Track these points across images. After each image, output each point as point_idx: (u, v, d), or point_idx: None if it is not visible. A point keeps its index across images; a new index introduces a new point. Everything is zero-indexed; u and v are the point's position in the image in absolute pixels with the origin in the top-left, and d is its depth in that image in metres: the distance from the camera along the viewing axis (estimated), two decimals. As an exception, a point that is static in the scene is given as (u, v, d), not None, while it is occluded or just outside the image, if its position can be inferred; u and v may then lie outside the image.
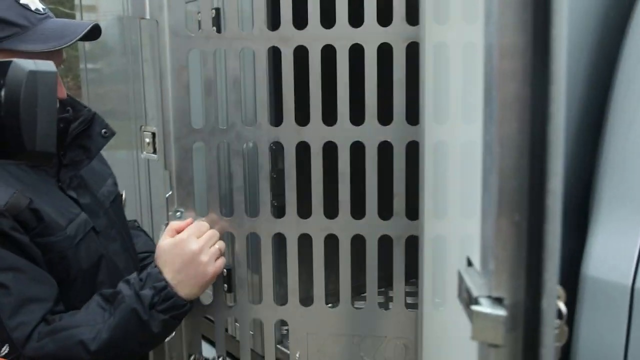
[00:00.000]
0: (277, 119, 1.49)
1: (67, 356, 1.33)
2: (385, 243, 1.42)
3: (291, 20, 1.39)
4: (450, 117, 1.18)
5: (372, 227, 1.43)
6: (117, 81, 2.87)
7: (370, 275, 1.45)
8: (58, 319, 1.36)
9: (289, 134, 1.44)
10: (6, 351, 1.30)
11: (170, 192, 1.52)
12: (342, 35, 1.38)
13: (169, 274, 1.38)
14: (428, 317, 1.35)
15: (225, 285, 1.53)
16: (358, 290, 1.53)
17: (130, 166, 2.76)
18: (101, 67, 3.10)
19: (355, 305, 1.50)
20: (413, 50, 1.34)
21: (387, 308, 1.49)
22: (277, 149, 1.58)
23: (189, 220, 1.47)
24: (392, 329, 1.46)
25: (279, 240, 1.51)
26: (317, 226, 1.46)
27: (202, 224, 1.47)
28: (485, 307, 0.74)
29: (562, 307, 0.83)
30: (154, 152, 2.55)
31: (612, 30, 1.41)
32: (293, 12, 1.39)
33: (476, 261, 0.85)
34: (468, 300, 0.79)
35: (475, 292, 0.77)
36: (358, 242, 1.44)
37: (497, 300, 0.74)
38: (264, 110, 1.47)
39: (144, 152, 2.64)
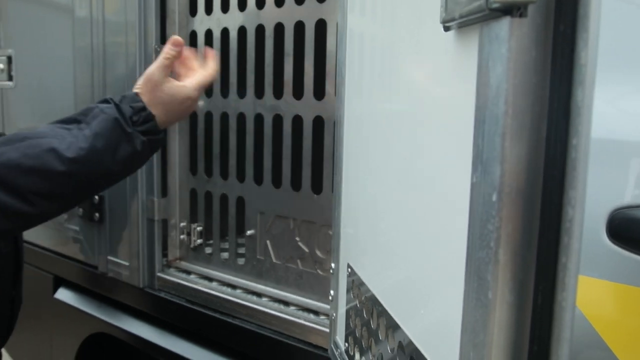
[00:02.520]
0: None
1: (34, 165, 1.13)
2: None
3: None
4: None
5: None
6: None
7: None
8: (9, 135, 1.20)
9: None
10: None
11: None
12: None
13: (157, 110, 1.28)
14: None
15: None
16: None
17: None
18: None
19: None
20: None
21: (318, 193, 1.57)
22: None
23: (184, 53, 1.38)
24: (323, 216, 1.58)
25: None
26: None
27: (203, 76, 1.37)
28: None
29: None
30: (10, 79, 2.45)
31: None
32: None
33: None
34: None
35: None
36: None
37: None
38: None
39: None
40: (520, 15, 0.50)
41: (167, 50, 1.32)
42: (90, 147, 1.18)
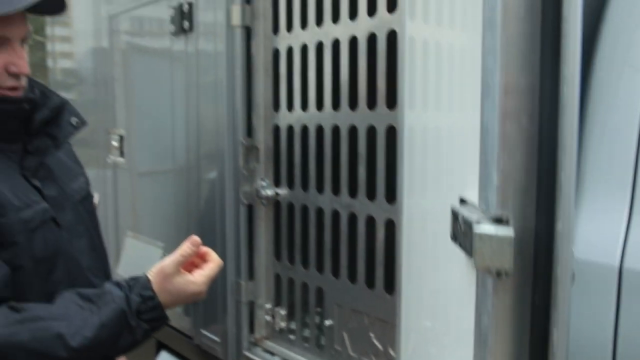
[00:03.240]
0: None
1: (40, 349, 1.26)
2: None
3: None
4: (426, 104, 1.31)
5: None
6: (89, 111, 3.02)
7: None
8: (26, 307, 1.31)
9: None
10: None
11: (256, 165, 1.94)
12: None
13: (163, 298, 1.36)
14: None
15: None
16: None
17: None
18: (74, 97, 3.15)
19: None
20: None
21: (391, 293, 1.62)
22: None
23: (204, 253, 1.44)
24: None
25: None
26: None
27: (214, 270, 1.44)
28: (489, 229, 0.66)
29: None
30: (121, 155, 2.68)
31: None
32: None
33: (473, 196, 0.79)
34: (466, 231, 0.71)
35: (475, 217, 0.69)
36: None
37: (503, 222, 0.66)
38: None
39: (110, 156, 2.76)
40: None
41: (185, 248, 1.39)
42: (94, 337, 1.28)
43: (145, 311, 1.34)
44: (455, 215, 0.80)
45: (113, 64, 2.73)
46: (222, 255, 1.69)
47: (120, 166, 2.73)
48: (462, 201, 0.84)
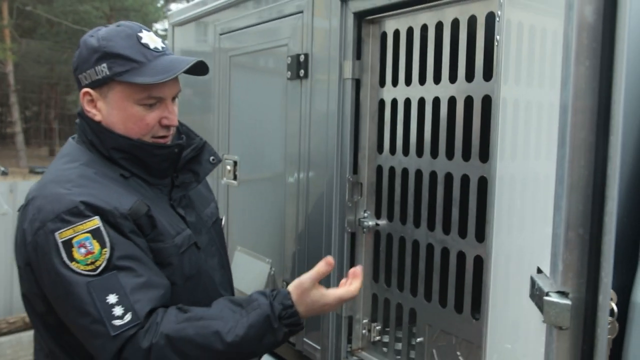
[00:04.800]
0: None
1: (202, 343, 1.54)
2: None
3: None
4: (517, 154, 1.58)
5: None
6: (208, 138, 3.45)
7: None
8: (191, 309, 1.59)
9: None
10: (129, 319, 1.51)
11: (359, 198, 2.29)
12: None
13: (301, 309, 1.64)
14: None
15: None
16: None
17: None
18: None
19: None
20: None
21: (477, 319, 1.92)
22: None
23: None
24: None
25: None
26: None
27: (347, 294, 1.72)
28: (555, 298, 1.01)
29: (614, 306, 1.11)
30: (234, 178, 3.11)
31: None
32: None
33: (546, 269, 1.11)
34: (540, 295, 1.03)
35: (546, 289, 1.04)
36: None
37: (564, 294, 1.01)
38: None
39: (224, 179, 3.18)
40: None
41: (321, 267, 1.69)
42: (244, 335, 1.56)
43: (285, 317, 1.62)
44: (533, 282, 1.14)
45: (230, 99, 3.16)
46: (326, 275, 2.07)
47: (232, 188, 3.16)
48: (539, 271, 1.19)
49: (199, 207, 1.93)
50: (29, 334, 6.82)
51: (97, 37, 1.69)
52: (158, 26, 37.26)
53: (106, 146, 1.72)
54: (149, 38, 1.70)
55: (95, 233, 1.54)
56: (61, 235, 1.53)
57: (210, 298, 1.71)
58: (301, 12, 2.53)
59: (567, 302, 1.00)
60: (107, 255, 1.53)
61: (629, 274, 1.55)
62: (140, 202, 1.65)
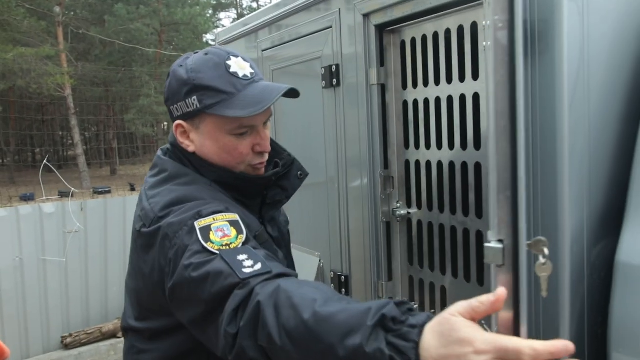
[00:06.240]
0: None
1: (296, 302, 1.24)
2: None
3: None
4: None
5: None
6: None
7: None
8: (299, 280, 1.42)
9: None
10: (259, 267, 1.40)
11: (392, 190, 2.60)
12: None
13: (427, 335, 1.06)
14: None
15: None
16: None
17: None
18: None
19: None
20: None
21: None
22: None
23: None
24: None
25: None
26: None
27: (510, 344, 1.00)
28: (493, 244, 1.33)
29: (545, 250, 1.27)
30: None
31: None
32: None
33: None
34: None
35: (489, 238, 1.36)
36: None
37: (500, 241, 1.32)
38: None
39: None
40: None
41: (483, 300, 1.08)
42: (331, 314, 1.17)
43: (395, 332, 1.10)
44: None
45: (275, 109, 3.53)
46: (366, 262, 2.43)
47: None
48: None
49: (280, 222, 1.96)
50: (106, 344, 7.44)
51: (185, 67, 1.68)
52: (209, 37, 38.41)
53: (207, 177, 1.71)
54: (237, 66, 1.68)
55: (234, 223, 1.53)
56: (199, 224, 1.50)
57: None
58: (330, 27, 2.89)
59: (500, 246, 1.32)
60: (242, 240, 1.49)
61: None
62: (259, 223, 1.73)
